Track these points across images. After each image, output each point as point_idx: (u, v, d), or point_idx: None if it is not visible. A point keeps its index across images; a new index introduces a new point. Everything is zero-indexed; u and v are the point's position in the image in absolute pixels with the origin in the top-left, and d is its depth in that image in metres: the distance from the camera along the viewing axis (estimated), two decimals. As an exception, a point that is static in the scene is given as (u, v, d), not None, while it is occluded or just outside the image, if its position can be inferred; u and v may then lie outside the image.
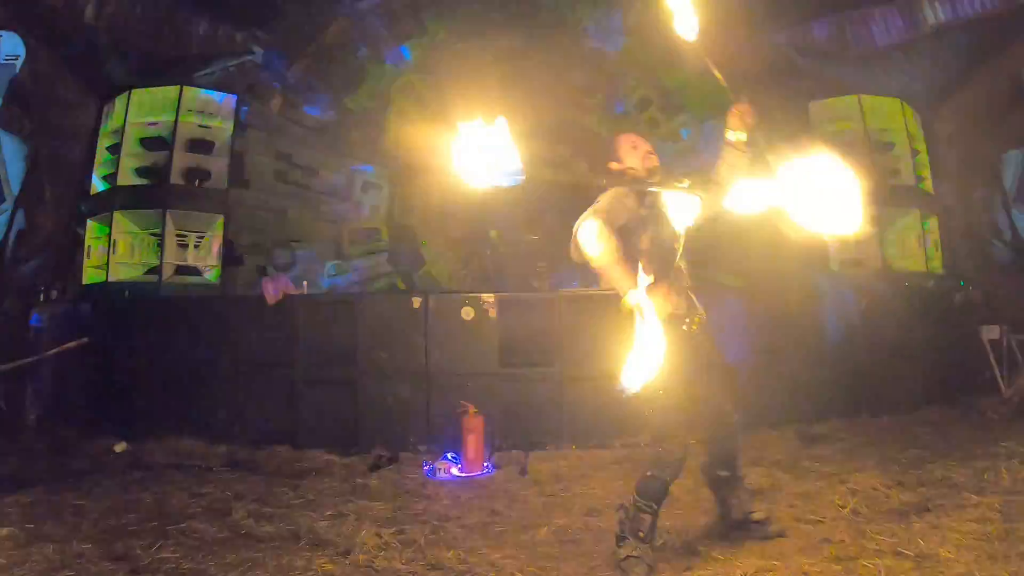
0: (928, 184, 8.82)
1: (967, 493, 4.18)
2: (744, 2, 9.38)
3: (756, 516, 3.75)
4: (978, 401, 6.89)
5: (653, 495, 3.36)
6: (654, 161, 3.69)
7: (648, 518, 3.35)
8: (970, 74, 9.09)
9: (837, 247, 8.26)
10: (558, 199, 9.85)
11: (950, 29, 9.02)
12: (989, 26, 8.86)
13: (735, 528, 3.72)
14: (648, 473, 3.37)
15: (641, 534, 3.34)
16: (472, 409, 5.65)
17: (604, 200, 3.42)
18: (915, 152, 8.69)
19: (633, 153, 3.69)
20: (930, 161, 8.97)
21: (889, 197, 8.38)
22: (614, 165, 3.70)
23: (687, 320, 3.51)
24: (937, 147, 9.13)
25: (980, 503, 3.97)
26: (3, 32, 8.72)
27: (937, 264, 8.66)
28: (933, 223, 8.78)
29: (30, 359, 6.97)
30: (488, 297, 6.40)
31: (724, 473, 3.70)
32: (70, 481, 5.26)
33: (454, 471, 5.54)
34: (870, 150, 8.41)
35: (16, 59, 8.93)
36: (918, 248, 8.45)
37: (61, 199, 9.07)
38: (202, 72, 9.09)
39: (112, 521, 4.33)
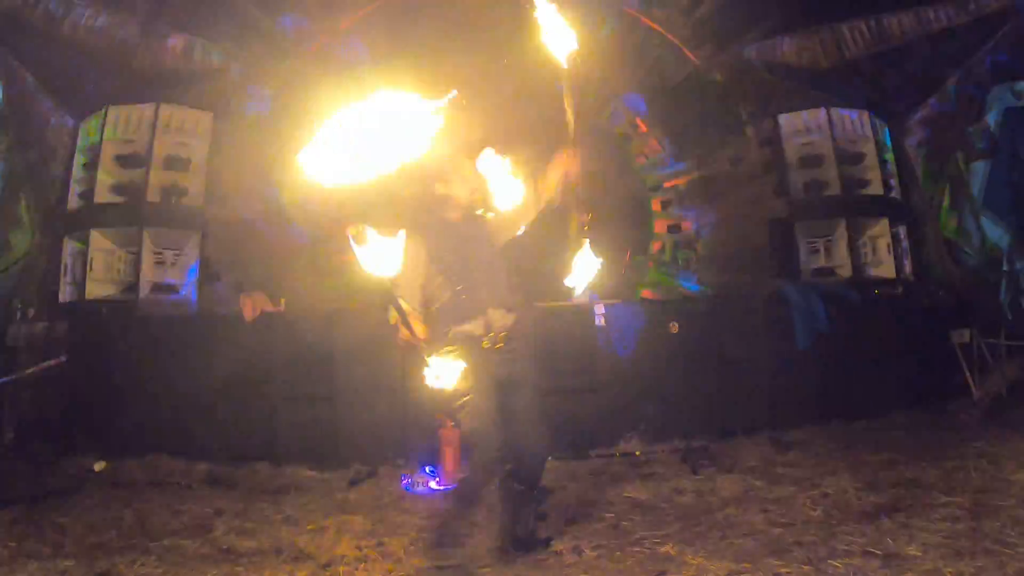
0: (897, 193, 9.00)
1: (936, 493, 4.32)
2: (712, 17, 9.66)
3: (541, 535, 3.88)
4: (950, 404, 7.05)
5: (463, 498, 3.59)
6: (479, 197, 3.82)
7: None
8: (935, 85, 9.34)
9: (807, 256, 8.42)
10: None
11: (916, 41, 9.29)
12: (952, 37, 9.15)
13: (513, 543, 3.76)
14: (462, 477, 3.56)
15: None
16: (449, 422, 5.69)
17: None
18: (884, 162, 8.88)
19: (462, 183, 3.79)
20: (899, 171, 9.15)
21: (859, 207, 8.55)
22: (439, 188, 3.77)
23: (485, 339, 3.65)
24: (905, 157, 9.34)
25: (949, 502, 4.10)
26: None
27: (907, 271, 8.83)
28: (902, 231, 8.96)
29: (5, 379, 6.91)
30: None
31: (519, 487, 3.76)
32: (50, 499, 5.26)
33: (432, 484, 5.58)
34: (839, 162, 8.59)
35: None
36: (888, 256, 8.60)
37: (37, 217, 9.05)
38: (178, 89, 9.12)
39: (94, 538, 4.36)
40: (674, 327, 6.69)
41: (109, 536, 4.40)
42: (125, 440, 6.46)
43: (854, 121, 9.00)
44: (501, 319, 3.74)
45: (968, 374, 7.42)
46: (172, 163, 8.42)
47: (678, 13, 9.81)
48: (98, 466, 6.21)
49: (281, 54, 9.30)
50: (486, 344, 3.66)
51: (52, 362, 6.85)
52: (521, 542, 3.77)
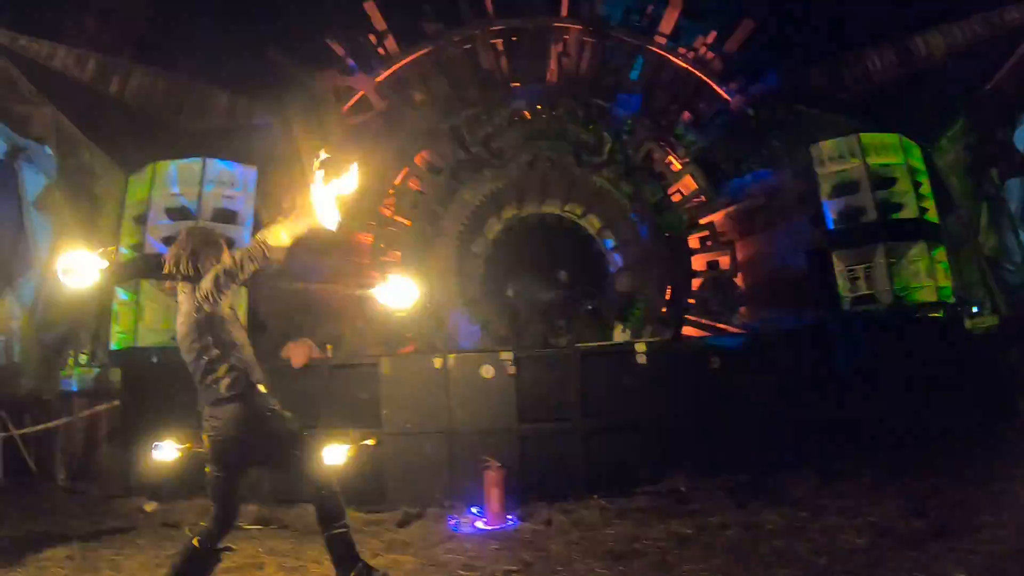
0: (933, 214, 8.93)
1: (983, 516, 4.28)
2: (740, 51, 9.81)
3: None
4: (998, 426, 6.93)
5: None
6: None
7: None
8: (965, 102, 9.32)
9: (848, 285, 8.38)
10: (572, 256, 10.18)
11: (941, 60, 9.31)
12: (978, 53, 9.14)
13: None
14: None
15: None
16: (495, 463, 5.78)
17: None
18: (917, 184, 8.82)
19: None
20: (933, 191, 9.09)
21: (895, 231, 8.50)
22: None
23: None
24: (939, 177, 9.28)
25: (995, 524, 4.07)
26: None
27: (948, 293, 8.73)
28: (941, 253, 8.88)
29: (59, 421, 7.16)
30: (506, 355, 6.62)
31: (324, 532, 3.88)
32: (104, 537, 5.45)
33: (479, 524, 5.66)
34: (872, 187, 8.57)
35: (45, 132, 9.42)
36: (928, 278, 8.51)
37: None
38: (223, 144, 9.49)
39: (148, 574, 4.49)
40: (715, 362, 6.71)
41: (163, 573, 4.53)
42: (175, 482, 6.57)
43: (886, 145, 8.97)
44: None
45: (1017, 394, 7.30)
46: (219, 216, 8.74)
47: (707, 49, 10.00)
48: (149, 507, 6.41)
49: (320, 109, 9.64)
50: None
51: (105, 406, 7.09)
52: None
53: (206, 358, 3.77)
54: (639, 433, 6.54)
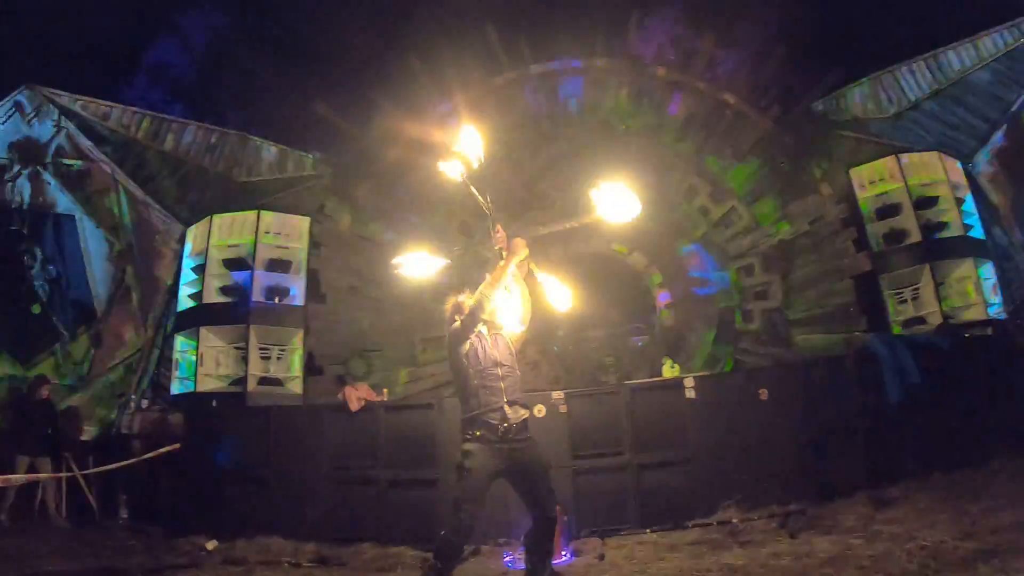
0: (978, 230, 8.87)
1: (1036, 537, 4.26)
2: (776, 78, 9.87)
3: None
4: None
5: (443, 555, 4.15)
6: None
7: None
8: (1001, 113, 9.24)
9: (896, 307, 8.34)
10: (617, 296, 10.28)
11: (976, 71, 9.25)
12: (1012, 62, 9.06)
13: None
14: (442, 533, 4.23)
15: None
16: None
17: None
18: (960, 201, 8.78)
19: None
20: (977, 207, 9.03)
21: (941, 250, 8.46)
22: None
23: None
24: (981, 192, 9.21)
25: (1048, 543, 4.06)
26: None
27: (999, 309, 8.63)
28: (989, 268, 8.80)
29: (121, 463, 7.46)
30: (558, 395, 6.79)
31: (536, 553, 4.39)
32: (168, 573, 5.67)
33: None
34: (914, 207, 8.55)
35: (104, 188, 9.95)
36: (977, 296, 8.44)
37: (147, 316, 9.90)
38: (275, 196, 9.91)
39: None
40: (763, 393, 6.74)
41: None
42: (236, 522, 6.87)
43: (925, 163, 8.96)
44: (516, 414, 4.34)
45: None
46: (274, 265, 9.13)
47: (742, 79, 10.08)
48: (210, 545, 6.61)
49: (368, 161, 9.97)
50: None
51: (167, 448, 7.39)
52: None
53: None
54: (690, 466, 6.60)
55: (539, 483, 4.37)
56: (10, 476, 6.78)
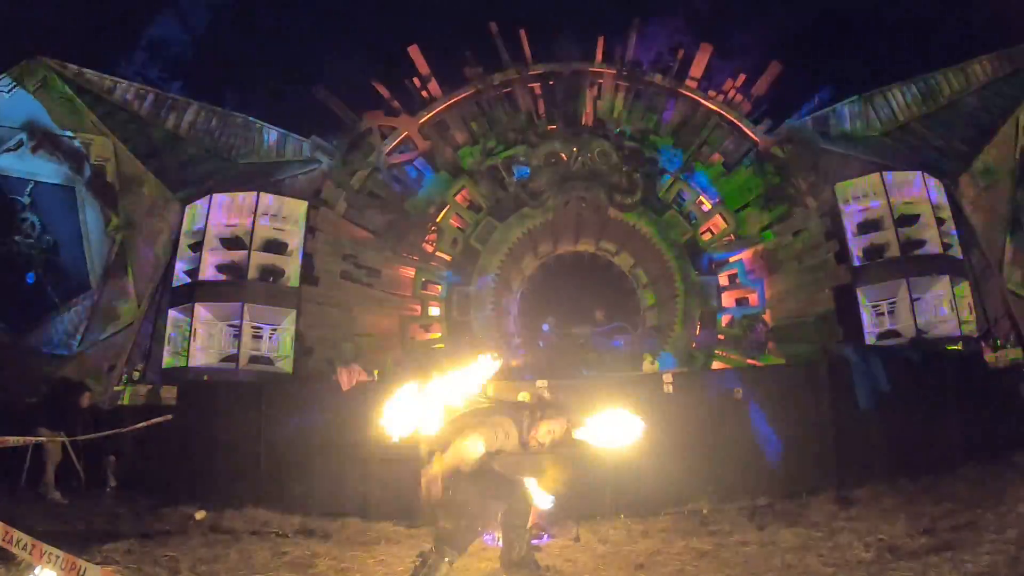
0: (956, 250, 9.15)
1: (988, 533, 4.52)
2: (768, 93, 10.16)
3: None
4: (1016, 456, 7.06)
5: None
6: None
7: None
8: (985, 138, 9.53)
9: (872, 320, 8.61)
10: (605, 292, 10.53)
11: (964, 96, 9.54)
12: (999, 89, 9.36)
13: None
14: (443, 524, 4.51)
15: None
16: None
17: None
18: (940, 220, 9.06)
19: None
20: (956, 226, 9.32)
21: (918, 267, 8.74)
22: None
23: None
24: (962, 213, 9.50)
25: (997, 539, 4.33)
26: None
27: (971, 326, 8.91)
28: (965, 287, 9.07)
29: (110, 432, 7.57)
30: (541, 383, 7.01)
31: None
32: (157, 538, 5.78)
33: (512, 538, 5.95)
34: (895, 223, 8.82)
35: (105, 161, 10.06)
36: (950, 313, 8.72)
37: (143, 290, 10.01)
38: (274, 179, 10.08)
39: (205, 568, 4.88)
40: (738, 393, 6.98)
41: (218, 568, 4.92)
42: (224, 493, 7.04)
43: (909, 182, 9.25)
44: None
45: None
46: (270, 246, 9.31)
47: (735, 92, 10.37)
48: (199, 515, 6.71)
49: (365, 147, 10.18)
50: None
51: (159, 420, 7.52)
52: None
53: None
54: (664, 458, 6.81)
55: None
56: (7, 438, 6.86)
